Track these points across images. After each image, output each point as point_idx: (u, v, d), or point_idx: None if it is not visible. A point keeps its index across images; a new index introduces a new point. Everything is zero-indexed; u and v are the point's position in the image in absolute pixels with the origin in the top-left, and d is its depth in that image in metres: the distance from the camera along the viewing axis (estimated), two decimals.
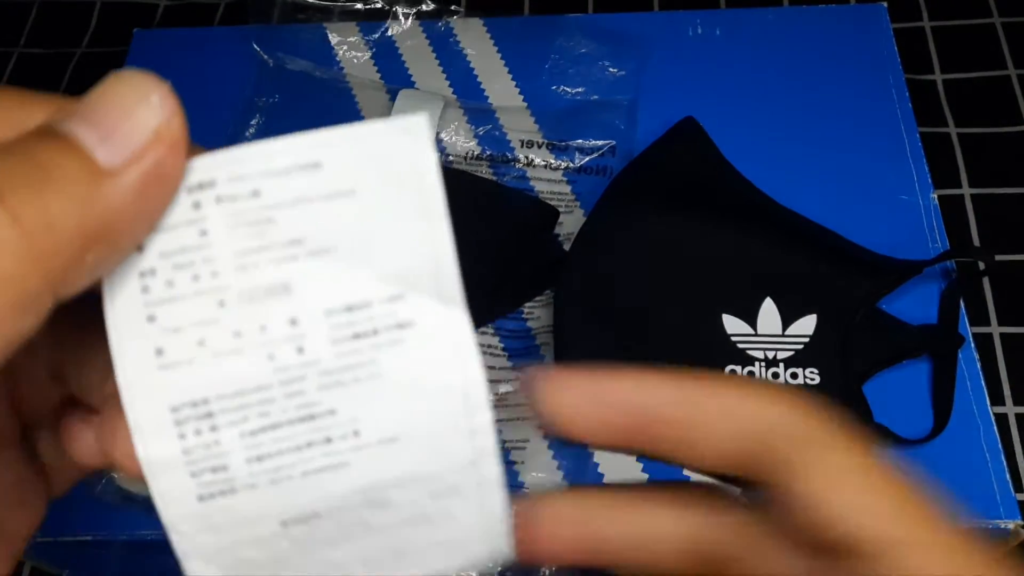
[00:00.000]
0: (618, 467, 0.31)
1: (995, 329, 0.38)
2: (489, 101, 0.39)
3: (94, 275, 0.12)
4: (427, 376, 0.14)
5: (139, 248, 0.13)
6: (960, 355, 0.32)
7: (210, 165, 0.13)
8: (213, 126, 0.38)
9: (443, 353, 0.14)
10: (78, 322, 0.14)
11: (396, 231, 0.13)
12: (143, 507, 0.31)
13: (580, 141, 0.37)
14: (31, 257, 0.11)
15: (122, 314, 0.13)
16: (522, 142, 0.38)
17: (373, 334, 0.13)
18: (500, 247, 0.34)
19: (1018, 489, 0.34)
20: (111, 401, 0.14)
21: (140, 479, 0.13)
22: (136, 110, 0.12)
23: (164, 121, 0.12)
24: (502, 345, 0.34)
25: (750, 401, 0.14)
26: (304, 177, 0.13)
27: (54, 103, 0.13)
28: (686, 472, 0.32)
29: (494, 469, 0.14)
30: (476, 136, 0.38)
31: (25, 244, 0.11)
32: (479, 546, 0.15)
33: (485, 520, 0.15)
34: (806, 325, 0.32)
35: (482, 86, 0.39)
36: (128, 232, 0.13)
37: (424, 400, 0.14)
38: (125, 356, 0.13)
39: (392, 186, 0.13)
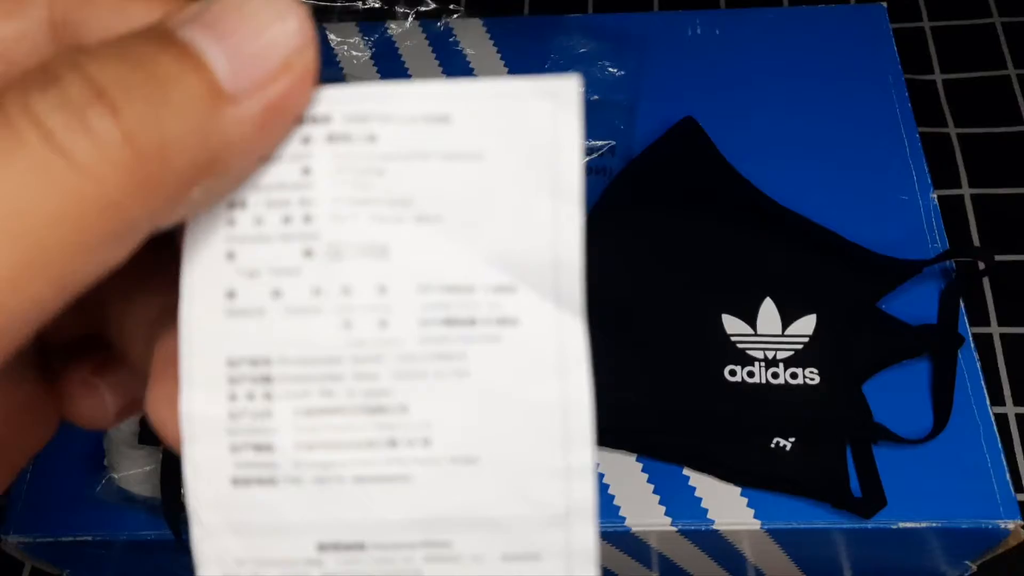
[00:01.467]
0: (617, 466, 0.31)
1: (995, 329, 0.38)
2: None
3: (194, 209, 0.11)
4: (523, 388, 0.11)
5: None
6: (960, 355, 0.32)
7: (330, 99, 0.11)
8: None
9: (547, 365, 0.12)
10: (131, 256, 0.12)
11: (519, 210, 0.11)
12: (144, 507, 0.31)
13: None
14: (138, 183, 0.10)
15: (202, 245, 0.11)
16: None
17: (469, 324, 0.11)
18: None
19: (1018, 489, 0.34)
20: (161, 349, 0.13)
21: (175, 442, 0.12)
22: (270, 30, 0.11)
23: (298, 48, 0.11)
24: None
25: None
26: (429, 130, 0.11)
27: None
28: (686, 472, 0.32)
29: (589, 537, 0.12)
30: None
31: (135, 168, 0.10)
32: None
33: None
34: (806, 325, 0.32)
35: None
36: (240, 167, 0.11)
37: (515, 417, 0.11)
38: (194, 292, 0.11)
39: (525, 156, 0.11)
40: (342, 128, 0.11)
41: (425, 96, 0.11)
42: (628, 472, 0.31)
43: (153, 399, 0.13)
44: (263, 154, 0.11)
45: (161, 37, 0.10)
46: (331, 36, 0.41)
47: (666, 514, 0.30)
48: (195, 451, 0.12)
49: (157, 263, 0.13)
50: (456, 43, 0.40)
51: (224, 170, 0.11)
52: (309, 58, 0.11)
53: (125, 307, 0.14)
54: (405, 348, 0.11)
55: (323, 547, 0.12)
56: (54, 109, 0.10)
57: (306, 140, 0.11)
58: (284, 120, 0.11)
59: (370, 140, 0.11)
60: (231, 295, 0.12)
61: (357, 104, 0.12)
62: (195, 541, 0.12)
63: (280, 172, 0.12)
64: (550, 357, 0.12)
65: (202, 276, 0.12)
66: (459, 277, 0.12)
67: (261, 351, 0.12)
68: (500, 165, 0.11)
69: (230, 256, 0.12)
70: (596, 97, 0.38)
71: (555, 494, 0.12)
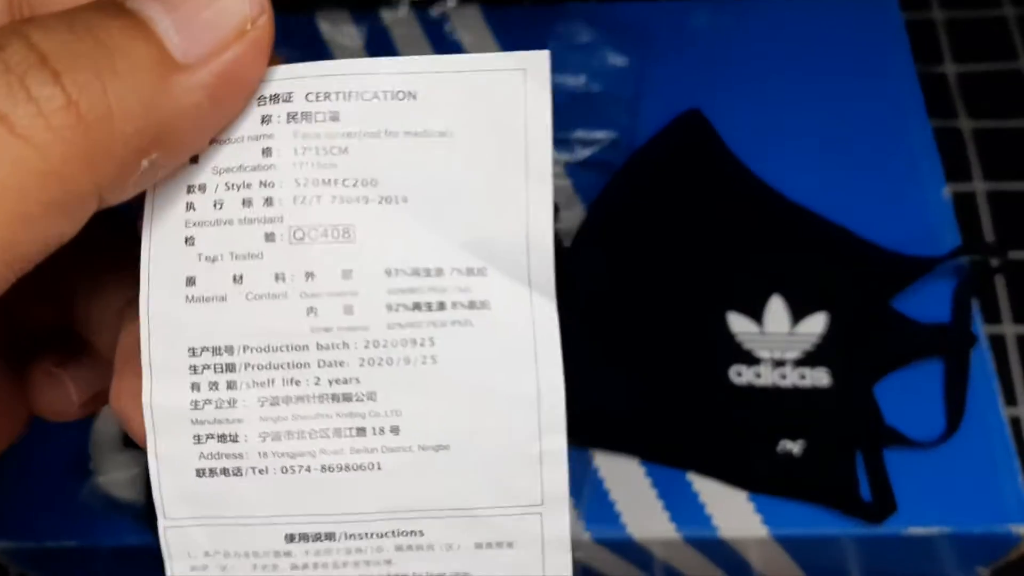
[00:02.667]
0: (619, 470, 0.30)
1: (1008, 328, 0.37)
2: None
3: (143, 184, 0.11)
4: (495, 374, 0.11)
5: (194, 159, 0.11)
6: (972, 355, 0.31)
7: (289, 76, 0.11)
8: None
9: (520, 349, 0.11)
10: (98, 245, 0.12)
11: (489, 190, 0.11)
12: (129, 513, 0.30)
13: (581, 134, 0.36)
14: (83, 151, 0.10)
15: (161, 230, 0.11)
16: None
17: (438, 308, 0.11)
18: None
19: None
20: (125, 341, 0.12)
21: (141, 435, 0.11)
22: None
23: (251, 16, 0.11)
24: None
25: None
26: (394, 107, 0.11)
27: None
28: (690, 477, 0.31)
29: (563, 525, 0.11)
30: None
31: (79, 135, 0.10)
32: None
33: None
34: (815, 323, 0.31)
35: None
36: (191, 139, 0.11)
37: (486, 403, 0.11)
38: (154, 279, 0.11)
39: (494, 134, 0.11)
40: (303, 106, 0.11)
41: (390, 72, 0.11)
42: (630, 477, 0.30)
43: (117, 392, 0.12)
44: (217, 125, 0.11)
45: (110, 7, 0.10)
46: (321, 24, 0.40)
47: (670, 521, 0.30)
48: (159, 443, 0.11)
49: (124, 253, 0.13)
50: (452, 32, 0.39)
51: (176, 141, 0.11)
52: (263, 25, 0.11)
53: (92, 298, 0.14)
54: (372, 334, 0.11)
55: (291, 538, 0.12)
56: None
57: (265, 119, 0.11)
58: (238, 90, 0.11)
59: (332, 118, 0.11)
60: (191, 282, 0.11)
61: (319, 81, 0.11)
62: (162, 534, 0.12)
63: (239, 153, 0.11)
64: (523, 341, 0.11)
65: (161, 263, 0.11)
66: (427, 260, 0.11)
67: (223, 339, 0.11)
68: (468, 143, 0.11)
69: (189, 241, 0.11)
70: (597, 88, 0.37)
71: (528, 482, 0.11)
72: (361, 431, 0.11)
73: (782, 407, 0.30)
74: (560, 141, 0.37)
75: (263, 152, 0.11)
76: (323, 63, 0.11)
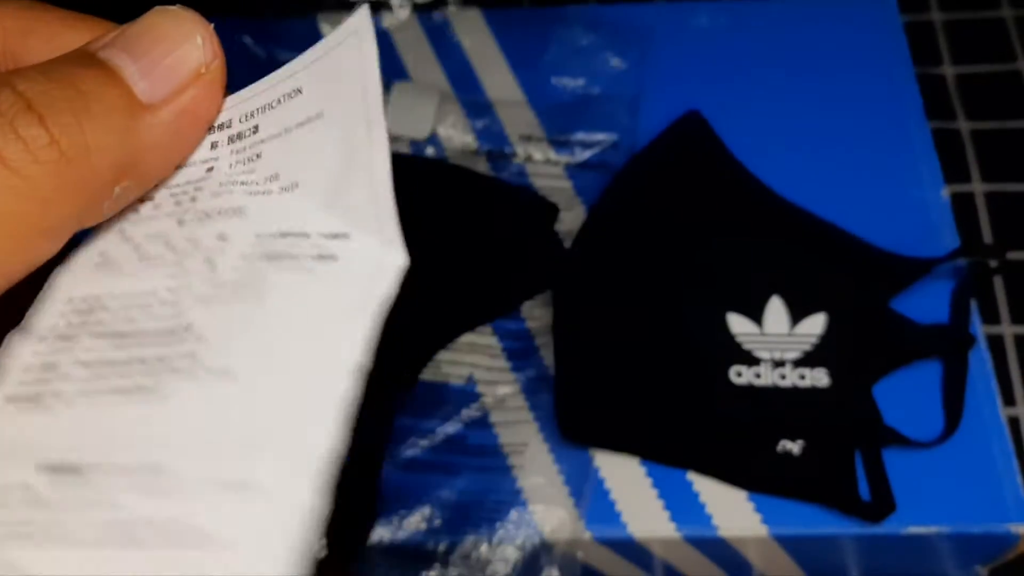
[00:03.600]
0: (619, 470, 0.31)
1: (1007, 329, 0.37)
2: (487, 95, 0.38)
3: (116, 208, 0.12)
4: (311, 316, 0.11)
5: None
6: (971, 356, 0.31)
7: (231, 104, 0.13)
8: None
9: (345, 301, 0.11)
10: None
11: (348, 151, 0.12)
12: None
13: (582, 136, 0.37)
14: (66, 184, 0.11)
15: (105, 227, 0.13)
16: (521, 137, 0.37)
17: (287, 259, 0.12)
18: (498, 245, 0.34)
19: None
20: None
21: None
22: (180, 47, 0.12)
23: (205, 61, 0.12)
24: (501, 345, 0.33)
25: None
26: (290, 106, 0.13)
27: (95, 25, 0.13)
28: (690, 477, 0.31)
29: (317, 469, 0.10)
30: (474, 131, 0.37)
31: (62, 170, 0.11)
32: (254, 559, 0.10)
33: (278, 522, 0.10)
34: (814, 324, 0.31)
35: (480, 79, 0.39)
36: (158, 168, 0.13)
37: (293, 344, 0.11)
38: (77, 254, 0.13)
39: (345, 97, 0.12)
40: (238, 128, 0.13)
41: (284, 77, 0.13)
42: (631, 476, 0.30)
43: None
44: (180, 155, 0.13)
45: (84, 58, 0.12)
46: (323, 28, 0.40)
47: (670, 520, 0.30)
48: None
49: None
50: (453, 35, 0.39)
51: (144, 171, 0.12)
52: (216, 69, 0.13)
53: None
54: (217, 278, 0.12)
55: (52, 468, 0.11)
56: None
57: (214, 145, 0.13)
58: (196, 124, 0.13)
59: (254, 131, 0.13)
60: (102, 254, 0.13)
61: (247, 103, 0.13)
62: None
63: (188, 174, 0.13)
64: (353, 293, 0.11)
65: (88, 246, 0.13)
66: (297, 226, 0.12)
67: (100, 291, 0.12)
68: (334, 117, 0.12)
69: (121, 232, 0.13)
70: (598, 90, 0.38)
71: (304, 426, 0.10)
72: (161, 358, 0.11)
73: (782, 407, 0.30)
74: (561, 143, 0.37)
75: (207, 170, 0.13)
76: (248, 88, 0.13)
